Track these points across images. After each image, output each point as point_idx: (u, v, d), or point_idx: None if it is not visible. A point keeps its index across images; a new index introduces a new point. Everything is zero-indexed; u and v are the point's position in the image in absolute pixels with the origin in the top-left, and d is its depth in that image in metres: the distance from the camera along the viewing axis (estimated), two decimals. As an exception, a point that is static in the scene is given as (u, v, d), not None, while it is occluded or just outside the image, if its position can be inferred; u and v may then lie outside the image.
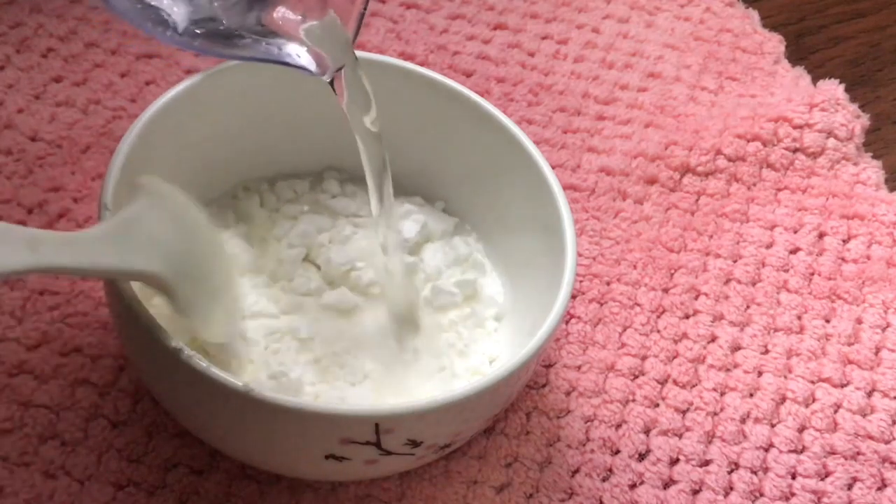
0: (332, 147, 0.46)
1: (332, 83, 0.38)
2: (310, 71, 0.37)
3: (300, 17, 0.37)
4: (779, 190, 0.53)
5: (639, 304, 0.47)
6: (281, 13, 0.36)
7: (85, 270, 0.33)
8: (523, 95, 0.55)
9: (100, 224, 0.35)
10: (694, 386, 0.45)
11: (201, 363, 0.33)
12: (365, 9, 0.38)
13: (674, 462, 0.43)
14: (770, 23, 0.62)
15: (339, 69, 0.37)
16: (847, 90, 0.57)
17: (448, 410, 0.34)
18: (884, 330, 0.48)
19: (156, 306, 0.36)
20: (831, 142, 0.55)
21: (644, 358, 0.46)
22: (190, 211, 0.37)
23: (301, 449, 0.35)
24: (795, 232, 0.52)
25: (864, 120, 0.56)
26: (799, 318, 0.48)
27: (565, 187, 0.43)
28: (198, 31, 0.35)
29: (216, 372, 0.33)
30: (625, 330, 0.47)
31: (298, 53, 0.37)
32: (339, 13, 0.37)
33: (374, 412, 0.34)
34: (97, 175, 0.47)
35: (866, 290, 0.50)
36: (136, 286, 0.35)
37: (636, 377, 0.45)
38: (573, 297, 0.47)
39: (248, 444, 0.36)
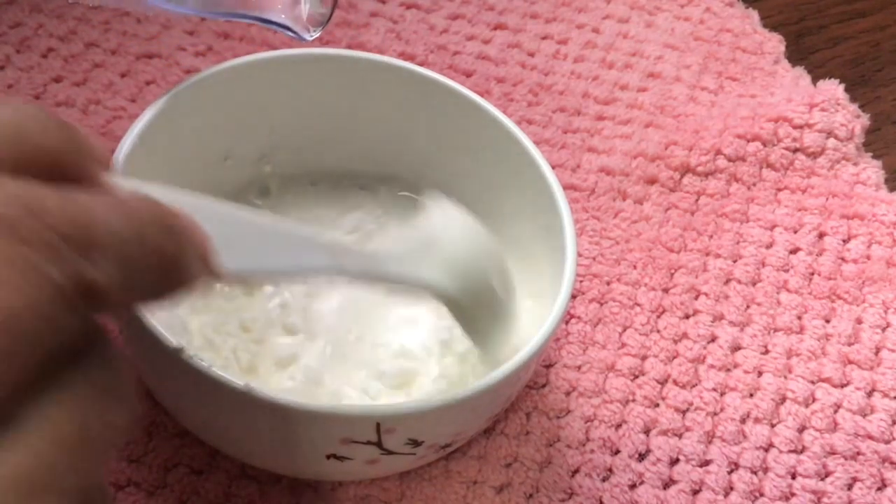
0: (334, 147, 0.46)
1: None
2: (292, 30, 0.37)
3: None
4: (779, 190, 0.53)
5: (639, 304, 0.47)
6: None
7: (371, 277, 0.33)
8: (523, 95, 0.55)
9: (390, 244, 0.35)
10: (694, 386, 0.45)
11: (201, 363, 0.33)
12: None
13: (674, 462, 0.43)
14: (770, 23, 0.62)
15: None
16: (847, 90, 0.57)
17: (449, 410, 0.34)
18: (884, 330, 0.49)
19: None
20: (831, 142, 0.55)
21: (644, 358, 0.46)
22: (479, 231, 0.37)
23: (302, 449, 0.35)
24: (795, 232, 0.52)
25: (864, 120, 0.56)
26: (799, 318, 0.48)
27: (565, 187, 0.43)
28: None
29: (216, 372, 0.33)
30: (625, 330, 0.47)
31: (281, 14, 0.37)
32: None
33: (376, 412, 0.34)
34: (97, 175, 0.47)
35: (866, 290, 0.50)
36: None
37: (636, 377, 0.45)
38: (573, 297, 0.47)
39: (248, 444, 0.36)
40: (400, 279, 0.34)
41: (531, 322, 0.40)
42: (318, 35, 0.38)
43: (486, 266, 0.36)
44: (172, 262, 0.23)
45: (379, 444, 0.34)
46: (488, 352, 0.37)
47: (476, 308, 0.36)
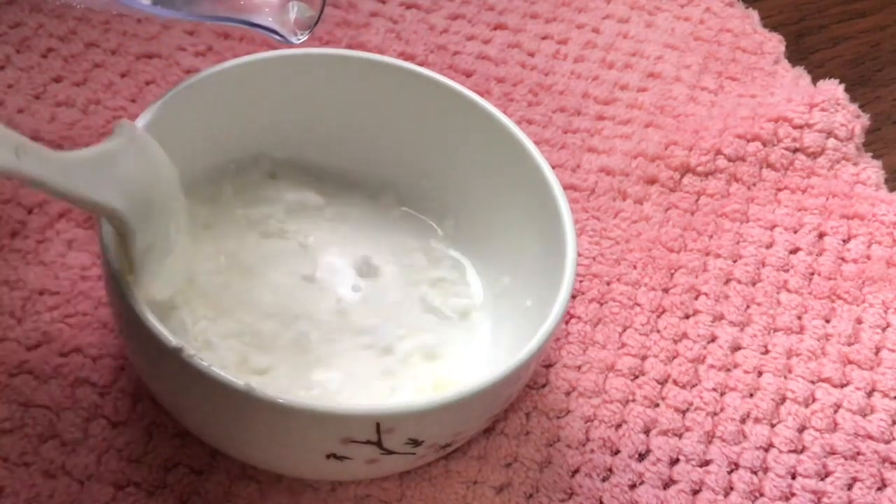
0: (333, 147, 0.46)
1: None
2: (279, 34, 0.37)
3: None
4: (779, 190, 0.53)
5: (639, 304, 0.47)
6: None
7: (57, 190, 0.33)
8: (523, 95, 0.55)
9: (81, 150, 0.35)
10: (694, 386, 0.45)
11: (202, 363, 0.33)
12: None
13: (674, 462, 0.43)
14: (770, 23, 0.62)
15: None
16: (847, 90, 0.57)
17: (449, 410, 0.34)
18: (884, 330, 0.48)
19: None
20: (831, 142, 0.55)
21: (644, 358, 0.46)
22: (163, 163, 0.38)
23: (302, 448, 0.35)
24: (795, 232, 0.52)
25: (864, 120, 0.56)
26: (799, 318, 0.48)
27: (565, 187, 0.43)
28: None
29: (217, 372, 0.33)
30: (625, 330, 0.47)
31: (268, 17, 0.37)
32: None
33: (375, 411, 0.34)
34: (97, 175, 0.47)
35: (866, 290, 0.50)
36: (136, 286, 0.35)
37: (636, 377, 0.45)
38: (573, 297, 0.47)
39: (248, 443, 0.36)
40: (79, 195, 0.34)
41: (531, 322, 0.40)
42: (305, 38, 0.38)
43: (158, 195, 0.38)
44: None
45: (379, 444, 0.34)
46: (149, 286, 0.38)
47: (142, 234, 0.36)
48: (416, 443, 0.35)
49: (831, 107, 0.55)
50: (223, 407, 0.34)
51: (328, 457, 0.35)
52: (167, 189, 0.39)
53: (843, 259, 0.51)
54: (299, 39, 0.38)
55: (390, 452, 0.35)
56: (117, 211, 0.35)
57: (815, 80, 0.58)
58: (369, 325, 0.41)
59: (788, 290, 0.49)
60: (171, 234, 0.39)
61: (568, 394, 0.44)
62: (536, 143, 0.45)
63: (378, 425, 0.33)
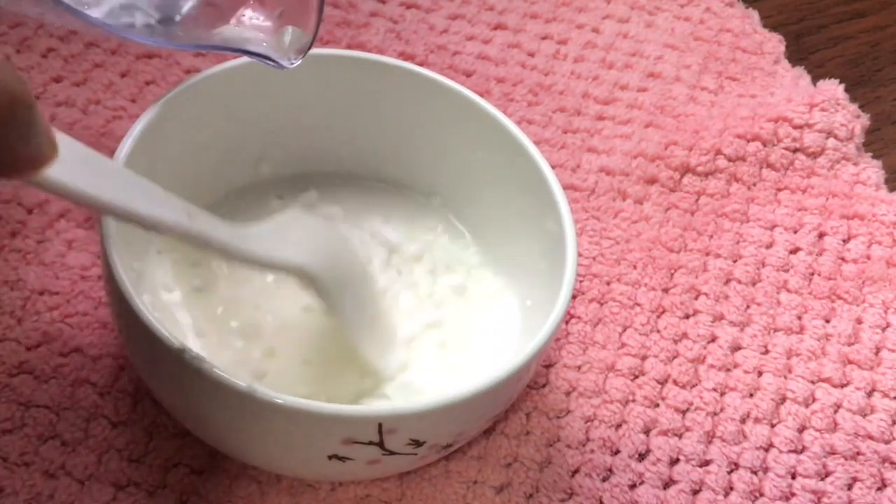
0: (333, 147, 0.46)
1: None
2: (273, 60, 0.38)
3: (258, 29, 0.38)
4: (779, 190, 0.53)
5: (639, 304, 0.47)
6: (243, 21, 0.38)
7: (232, 250, 0.34)
8: (523, 95, 0.55)
9: (248, 224, 0.36)
10: (694, 386, 0.45)
11: (203, 363, 0.33)
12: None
13: (674, 462, 0.43)
14: (770, 23, 0.62)
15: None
16: (847, 90, 0.57)
17: (451, 410, 0.34)
18: (884, 330, 0.49)
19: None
20: (831, 142, 0.55)
21: (644, 358, 0.46)
22: (334, 229, 0.40)
23: (304, 449, 0.35)
24: (795, 232, 0.52)
25: (864, 120, 0.56)
26: (799, 318, 0.48)
27: (565, 187, 0.43)
28: (156, 24, 0.36)
29: (218, 372, 0.33)
30: (625, 330, 0.47)
31: (263, 42, 0.38)
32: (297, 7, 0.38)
33: (378, 412, 0.34)
34: (97, 175, 0.47)
35: (866, 290, 0.50)
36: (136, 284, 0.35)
37: (636, 377, 0.45)
38: (573, 297, 0.47)
39: (249, 444, 0.36)
40: (261, 257, 0.35)
41: (531, 322, 0.40)
42: (298, 63, 0.39)
43: (342, 252, 0.39)
44: (23, 126, 0.25)
45: (381, 445, 0.34)
46: (366, 352, 0.39)
47: (338, 291, 0.38)
48: (417, 443, 0.35)
49: (831, 107, 0.55)
50: (224, 408, 0.34)
51: (330, 457, 0.35)
52: (346, 254, 0.40)
53: (843, 259, 0.51)
54: (293, 64, 0.38)
55: (392, 453, 0.35)
56: (303, 267, 0.36)
57: (815, 80, 0.58)
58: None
59: (788, 291, 0.49)
60: (369, 297, 0.40)
61: (568, 394, 0.44)
62: (536, 143, 0.45)
63: (380, 426, 0.33)
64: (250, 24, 0.40)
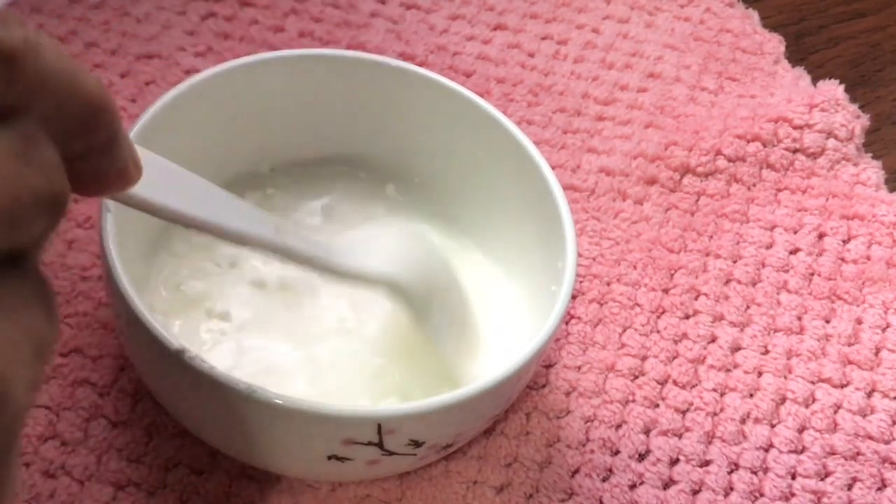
0: (333, 147, 0.46)
1: None
2: None
3: None
4: (779, 190, 0.53)
5: (639, 305, 0.47)
6: None
7: (319, 263, 0.34)
8: (523, 96, 0.55)
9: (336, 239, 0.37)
10: (694, 386, 0.45)
11: (203, 364, 0.33)
12: None
13: (674, 462, 0.43)
14: (770, 23, 0.62)
15: None
16: (847, 90, 0.57)
17: (450, 411, 0.34)
18: (884, 330, 0.49)
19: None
20: (831, 142, 0.55)
21: (644, 358, 0.46)
22: (424, 241, 0.40)
23: (303, 449, 0.35)
24: (795, 232, 0.52)
25: (864, 120, 0.56)
26: (799, 318, 0.48)
27: (565, 187, 0.43)
28: None
29: (218, 372, 0.33)
30: (625, 330, 0.47)
31: None
32: None
33: (377, 413, 0.34)
34: (97, 175, 0.47)
35: (866, 291, 0.50)
36: (135, 281, 0.35)
37: (636, 377, 0.45)
38: (573, 297, 0.47)
39: (249, 444, 0.36)
40: (348, 269, 0.35)
41: (531, 322, 0.40)
42: None
43: (428, 260, 0.39)
44: (108, 139, 0.24)
45: (380, 445, 0.34)
46: (452, 360, 0.39)
47: (426, 300, 0.37)
48: (417, 444, 0.35)
49: (831, 107, 0.55)
50: (224, 408, 0.34)
51: (329, 458, 0.35)
52: (432, 263, 0.39)
53: (843, 259, 0.51)
54: None
55: (391, 453, 0.35)
56: (392, 278, 0.36)
57: (815, 80, 0.58)
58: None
59: (788, 291, 0.49)
60: (457, 305, 0.40)
61: (568, 394, 0.44)
62: (536, 143, 0.45)
63: (379, 426, 0.33)
64: None
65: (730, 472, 0.43)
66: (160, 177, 0.28)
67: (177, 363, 0.33)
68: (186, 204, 0.29)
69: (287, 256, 0.33)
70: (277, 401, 0.33)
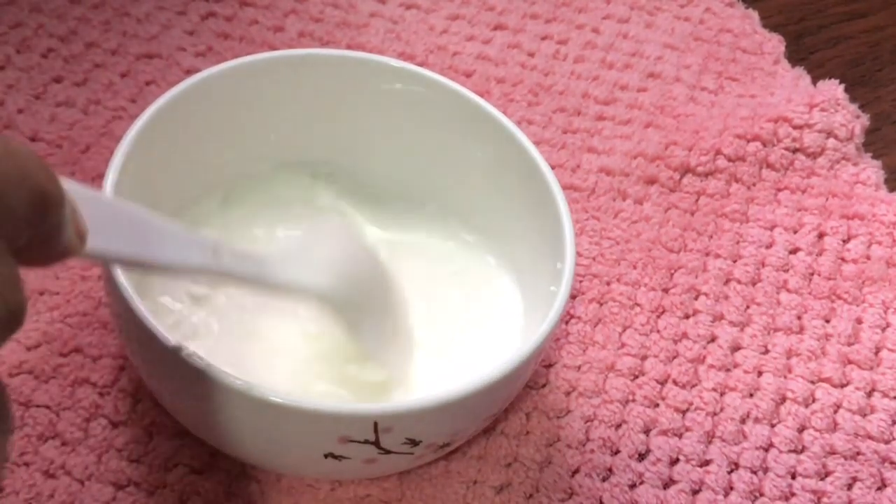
0: (333, 147, 0.46)
1: None
2: None
3: None
4: (779, 190, 0.53)
5: (639, 305, 0.47)
6: None
7: (252, 282, 0.35)
8: (523, 96, 0.55)
9: (273, 249, 0.37)
10: (694, 386, 0.45)
11: (201, 362, 0.33)
12: None
13: (674, 462, 0.43)
14: (770, 23, 0.62)
15: None
16: (847, 90, 0.57)
17: (447, 409, 0.34)
18: (884, 330, 0.48)
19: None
20: (831, 142, 0.55)
21: (644, 358, 0.46)
22: (360, 246, 0.40)
23: (300, 448, 0.35)
24: (795, 232, 0.52)
25: (864, 120, 0.56)
26: (799, 318, 0.48)
27: (565, 187, 0.43)
28: None
29: (216, 371, 0.33)
30: (625, 330, 0.47)
31: None
32: None
33: (373, 411, 0.34)
34: (97, 175, 0.47)
35: (866, 290, 0.50)
36: (136, 284, 0.35)
37: (636, 377, 0.45)
38: (573, 297, 0.47)
39: (247, 442, 0.36)
40: (279, 282, 0.35)
41: (529, 322, 0.40)
42: None
43: (363, 265, 0.39)
44: (52, 227, 0.24)
45: (377, 444, 0.34)
46: (378, 361, 0.40)
47: (357, 307, 0.38)
48: (413, 442, 0.35)
49: (831, 107, 0.55)
50: (221, 406, 0.34)
51: (326, 456, 0.35)
52: (369, 271, 0.40)
53: (842, 259, 0.51)
54: None
55: (388, 452, 0.35)
56: (322, 294, 0.36)
57: (815, 80, 0.58)
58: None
59: (788, 291, 0.49)
60: (390, 313, 0.40)
61: (568, 394, 0.44)
62: (536, 143, 0.45)
63: (376, 425, 0.33)
64: None
65: (730, 472, 0.43)
66: (98, 226, 0.27)
67: (175, 362, 0.33)
68: (124, 249, 0.29)
69: (225, 279, 0.34)
70: (273, 398, 0.33)
